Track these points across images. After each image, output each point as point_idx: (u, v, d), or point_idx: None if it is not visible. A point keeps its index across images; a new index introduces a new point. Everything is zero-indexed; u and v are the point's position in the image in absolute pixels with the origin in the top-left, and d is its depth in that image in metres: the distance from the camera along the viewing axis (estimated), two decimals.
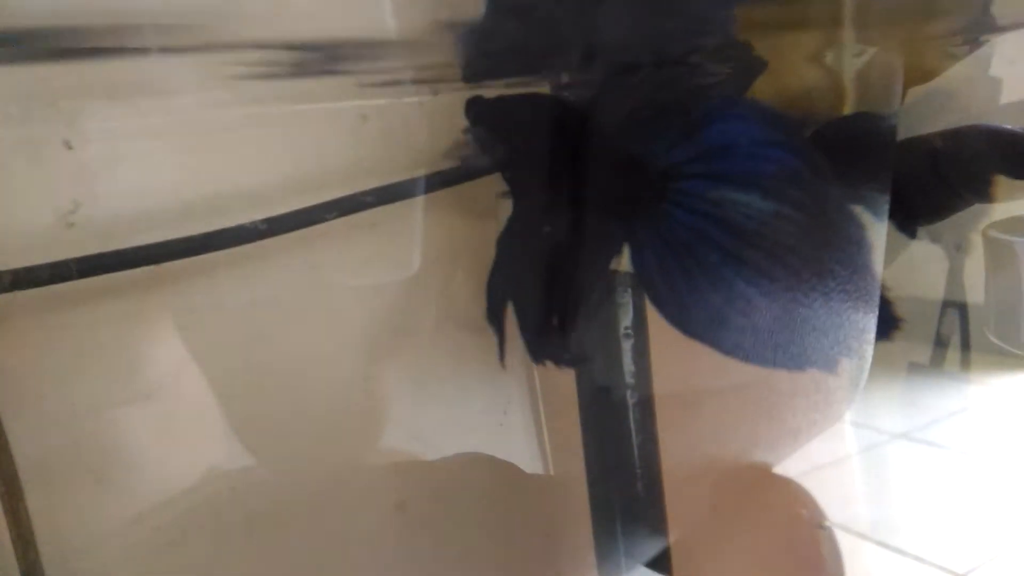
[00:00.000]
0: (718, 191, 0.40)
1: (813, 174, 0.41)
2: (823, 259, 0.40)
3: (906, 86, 0.45)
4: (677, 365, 0.44)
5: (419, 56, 0.42)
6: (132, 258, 0.42)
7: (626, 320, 0.53)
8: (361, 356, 0.52)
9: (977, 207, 0.49)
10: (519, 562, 0.58)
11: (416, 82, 0.49)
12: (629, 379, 0.54)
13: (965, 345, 0.67)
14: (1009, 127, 0.44)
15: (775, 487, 0.53)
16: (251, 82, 0.42)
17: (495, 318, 0.46)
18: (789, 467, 0.55)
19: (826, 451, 0.57)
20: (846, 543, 0.59)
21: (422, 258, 0.52)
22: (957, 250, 0.62)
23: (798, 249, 0.40)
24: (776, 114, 0.42)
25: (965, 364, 0.69)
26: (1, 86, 0.38)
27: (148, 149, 0.43)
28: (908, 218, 0.47)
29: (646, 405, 0.55)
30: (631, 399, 0.55)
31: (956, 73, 0.51)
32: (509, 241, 0.46)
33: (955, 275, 0.64)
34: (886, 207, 0.42)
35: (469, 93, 0.46)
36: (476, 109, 0.47)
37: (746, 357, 0.42)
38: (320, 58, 0.40)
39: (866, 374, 0.44)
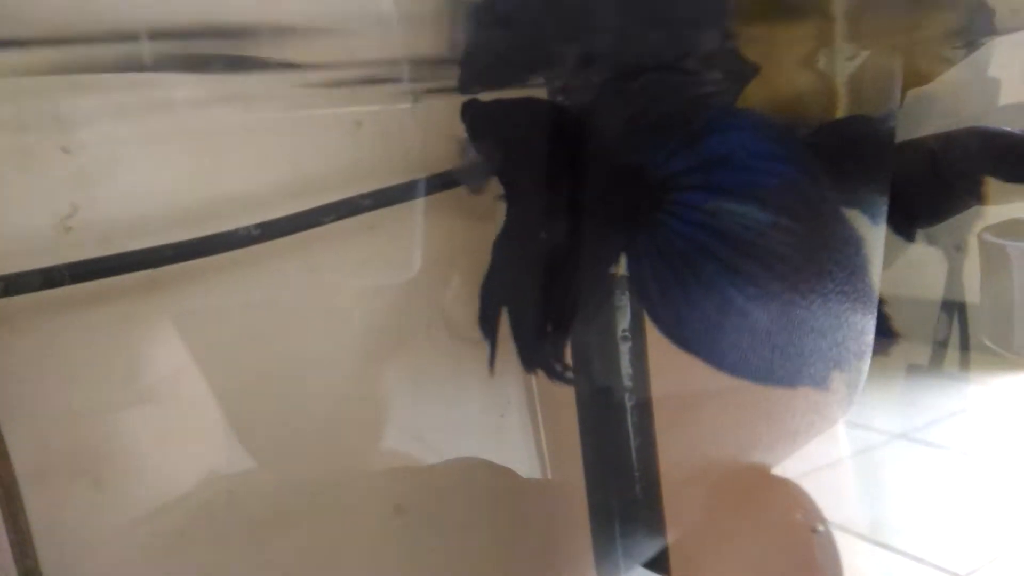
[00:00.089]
0: (716, 202, 0.40)
1: (811, 186, 0.41)
2: (819, 272, 0.40)
3: (903, 89, 0.45)
4: (675, 367, 0.44)
5: (414, 62, 0.42)
6: (124, 264, 0.42)
7: (624, 323, 0.53)
8: (359, 358, 0.52)
9: (976, 209, 0.49)
10: (518, 565, 0.58)
11: (411, 88, 0.49)
12: (627, 382, 0.54)
13: (964, 345, 0.67)
14: (1002, 129, 0.44)
15: (773, 488, 0.53)
16: (247, 88, 0.42)
17: (487, 324, 0.46)
18: (788, 468, 0.55)
19: (826, 452, 0.57)
20: (846, 544, 0.59)
21: (421, 260, 0.52)
22: (957, 250, 0.62)
23: (795, 261, 0.40)
24: (774, 126, 0.42)
25: (964, 364, 0.69)
26: (4, 90, 0.39)
27: (146, 154, 0.43)
28: (906, 221, 0.47)
29: (644, 407, 0.55)
30: (629, 402, 0.55)
31: (953, 76, 0.50)
32: (505, 246, 0.46)
33: (954, 275, 0.64)
34: (884, 210, 0.42)
35: (463, 98, 0.46)
36: (472, 112, 0.47)
37: (739, 372, 0.42)
38: (319, 71, 0.40)
39: (864, 375, 0.44)
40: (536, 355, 0.46)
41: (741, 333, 0.41)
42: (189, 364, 0.46)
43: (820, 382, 0.42)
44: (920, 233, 0.51)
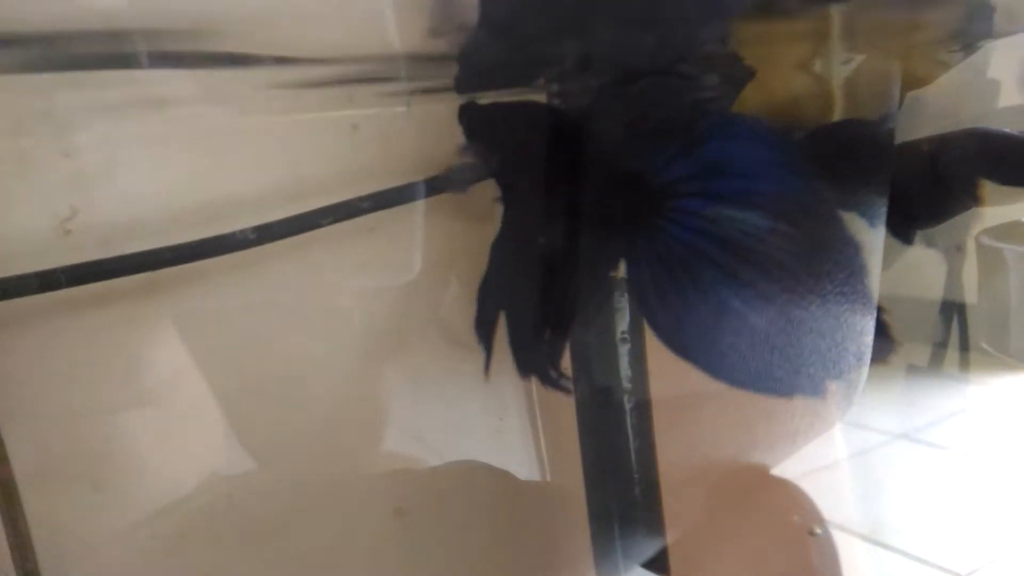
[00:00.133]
0: (715, 209, 0.41)
1: (809, 192, 0.41)
2: (817, 275, 0.41)
3: (901, 92, 0.45)
4: (674, 369, 0.44)
5: (411, 65, 0.42)
6: (121, 267, 0.42)
7: (623, 325, 0.53)
8: (359, 360, 0.52)
9: (975, 210, 0.49)
10: (518, 567, 0.58)
11: (407, 91, 0.49)
12: (626, 383, 0.54)
13: (964, 346, 0.67)
14: (1000, 131, 0.44)
15: (771, 490, 0.53)
16: (244, 91, 0.42)
17: (483, 328, 0.46)
18: (789, 469, 0.55)
19: (827, 453, 0.57)
20: (847, 544, 0.59)
21: (421, 262, 0.52)
22: (957, 251, 0.62)
23: (793, 267, 0.40)
24: (773, 132, 0.42)
25: (964, 365, 0.69)
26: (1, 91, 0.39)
27: (145, 156, 0.43)
28: (905, 223, 0.47)
29: (643, 409, 0.55)
30: (628, 403, 0.55)
31: (952, 78, 0.50)
32: (502, 250, 0.46)
33: (954, 276, 0.64)
34: (883, 212, 0.42)
35: (459, 102, 0.46)
36: (469, 115, 0.47)
37: (735, 380, 0.42)
38: (313, 67, 0.40)
39: (864, 377, 0.44)
40: (531, 360, 0.46)
41: (738, 338, 0.41)
42: (189, 366, 0.46)
43: (816, 389, 0.43)
44: (919, 235, 0.51)
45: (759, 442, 0.54)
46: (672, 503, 0.56)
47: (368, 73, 0.43)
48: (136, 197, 0.43)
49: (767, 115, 0.43)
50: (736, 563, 0.53)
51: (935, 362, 0.69)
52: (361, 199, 0.48)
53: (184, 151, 0.44)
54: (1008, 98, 0.52)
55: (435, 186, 0.50)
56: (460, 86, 0.46)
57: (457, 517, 0.55)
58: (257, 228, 0.45)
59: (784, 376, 0.42)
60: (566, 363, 0.48)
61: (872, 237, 0.42)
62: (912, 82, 0.47)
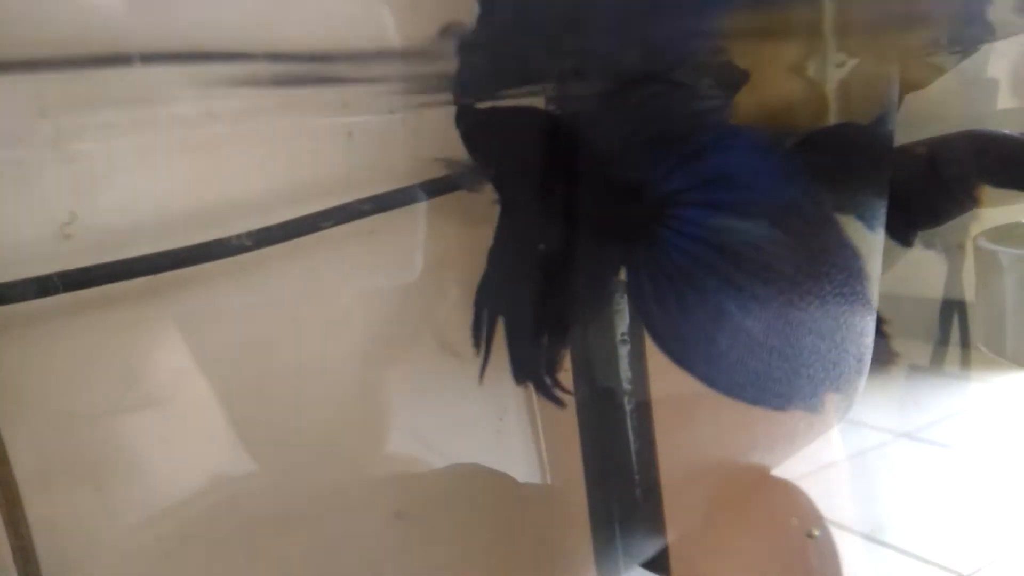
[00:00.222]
0: (716, 218, 0.41)
1: (809, 201, 0.41)
2: (816, 281, 0.41)
3: (899, 95, 0.45)
4: (674, 370, 0.44)
5: (407, 72, 0.42)
6: (117, 272, 0.42)
7: (623, 326, 0.53)
8: (359, 363, 0.52)
9: (974, 211, 0.49)
10: (518, 569, 0.58)
11: (403, 97, 0.49)
12: (626, 384, 0.54)
13: (965, 344, 0.67)
14: (998, 133, 0.44)
15: (771, 491, 0.53)
16: (241, 98, 0.43)
17: (479, 333, 0.46)
18: (790, 469, 0.55)
19: (828, 452, 0.57)
20: (849, 544, 0.59)
21: (421, 264, 0.52)
22: (958, 249, 0.62)
23: (792, 274, 0.41)
24: (773, 143, 0.42)
25: (965, 363, 0.69)
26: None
27: (144, 162, 0.43)
28: (905, 225, 0.47)
29: (643, 410, 0.55)
30: (628, 404, 0.55)
31: (950, 80, 0.50)
32: (500, 254, 0.46)
33: (954, 275, 0.64)
34: (882, 215, 0.42)
35: (453, 108, 0.46)
36: (467, 120, 0.47)
37: (732, 389, 0.42)
38: (312, 73, 0.40)
39: (864, 378, 0.44)
40: (528, 367, 0.46)
41: (736, 343, 0.41)
42: (190, 368, 0.46)
43: (814, 398, 0.43)
44: (919, 236, 0.51)
45: (759, 443, 0.54)
46: (673, 504, 0.56)
47: (365, 77, 0.43)
48: (135, 202, 0.43)
49: (761, 119, 0.43)
50: (736, 564, 0.53)
51: (936, 361, 0.69)
52: (361, 202, 0.48)
53: (182, 157, 0.44)
54: (1006, 99, 0.52)
55: (435, 189, 0.50)
56: (458, 92, 0.46)
57: (457, 519, 0.56)
58: (257, 231, 0.45)
59: (783, 377, 0.42)
60: (565, 367, 0.48)
61: (871, 239, 0.42)
62: (908, 85, 0.47)
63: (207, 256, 0.44)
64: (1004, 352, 0.55)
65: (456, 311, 0.52)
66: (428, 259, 0.52)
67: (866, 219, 0.42)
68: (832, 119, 0.46)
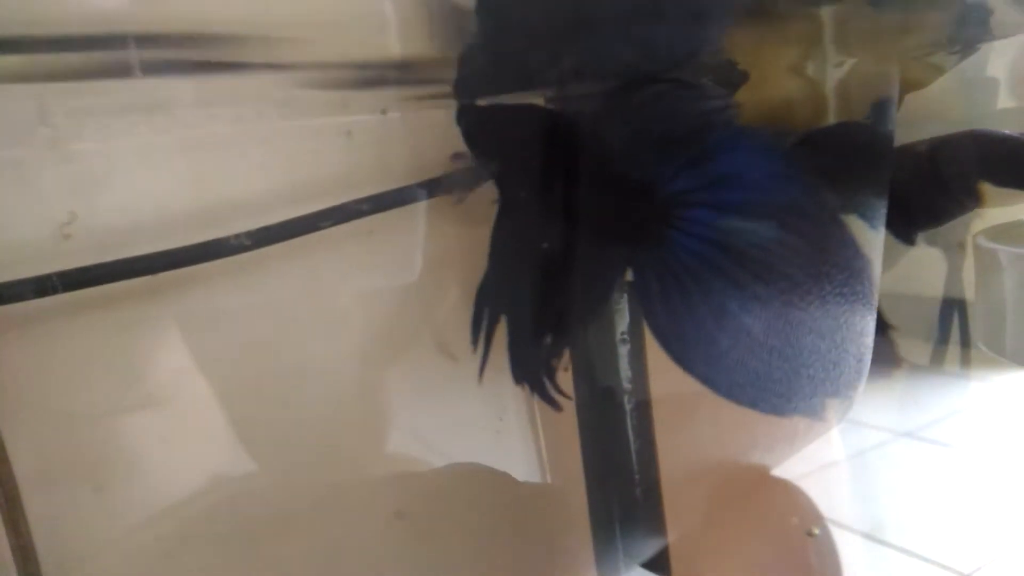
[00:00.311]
0: (724, 219, 0.41)
1: (815, 203, 0.41)
2: (820, 281, 0.41)
3: (899, 95, 0.45)
4: (674, 369, 0.44)
5: (407, 72, 0.42)
6: (116, 272, 0.42)
7: (622, 325, 0.53)
8: (359, 363, 0.52)
9: (976, 210, 0.49)
10: (518, 568, 0.58)
11: (402, 98, 0.49)
12: (626, 384, 0.54)
13: (965, 343, 0.67)
14: (997, 133, 0.44)
15: (771, 490, 0.53)
16: (240, 98, 0.43)
17: (479, 332, 0.46)
18: (791, 468, 0.55)
19: (829, 452, 0.57)
20: (849, 543, 0.59)
21: (421, 264, 0.52)
22: (959, 248, 0.62)
23: (798, 275, 0.41)
24: (780, 145, 0.42)
25: (965, 362, 0.69)
26: None
27: (143, 162, 0.43)
28: (906, 225, 0.47)
29: (643, 409, 0.55)
30: (628, 404, 0.55)
31: (950, 80, 0.50)
32: (501, 254, 0.46)
33: (954, 274, 0.63)
34: (883, 214, 0.42)
35: (454, 108, 0.46)
36: (468, 118, 0.47)
37: (733, 390, 0.42)
38: (312, 73, 0.40)
39: (864, 378, 0.44)
40: (527, 368, 0.46)
41: (738, 346, 0.41)
42: (190, 368, 0.46)
43: (814, 400, 0.43)
44: (920, 234, 0.51)
45: (759, 443, 0.54)
46: (673, 503, 0.56)
47: (364, 78, 0.43)
48: (135, 202, 0.43)
49: (760, 118, 0.43)
50: (736, 563, 0.53)
51: (936, 360, 0.69)
52: (360, 201, 0.48)
53: (182, 156, 0.44)
54: (1006, 99, 0.52)
55: (434, 189, 0.50)
56: (459, 91, 0.46)
57: (457, 519, 0.56)
58: (257, 231, 0.45)
59: (783, 378, 0.42)
60: (566, 366, 0.49)
61: (873, 238, 0.42)
62: (908, 85, 0.47)
63: (206, 256, 0.44)
64: (1003, 351, 0.55)
65: (454, 312, 0.52)
66: (427, 259, 0.52)
67: (867, 218, 0.42)
68: (831, 119, 0.46)
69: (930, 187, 0.47)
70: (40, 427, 0.42)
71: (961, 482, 0.74)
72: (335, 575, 0.51)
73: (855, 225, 0.42)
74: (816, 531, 0.53)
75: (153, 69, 0.35)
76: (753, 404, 0.43)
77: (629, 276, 0.45)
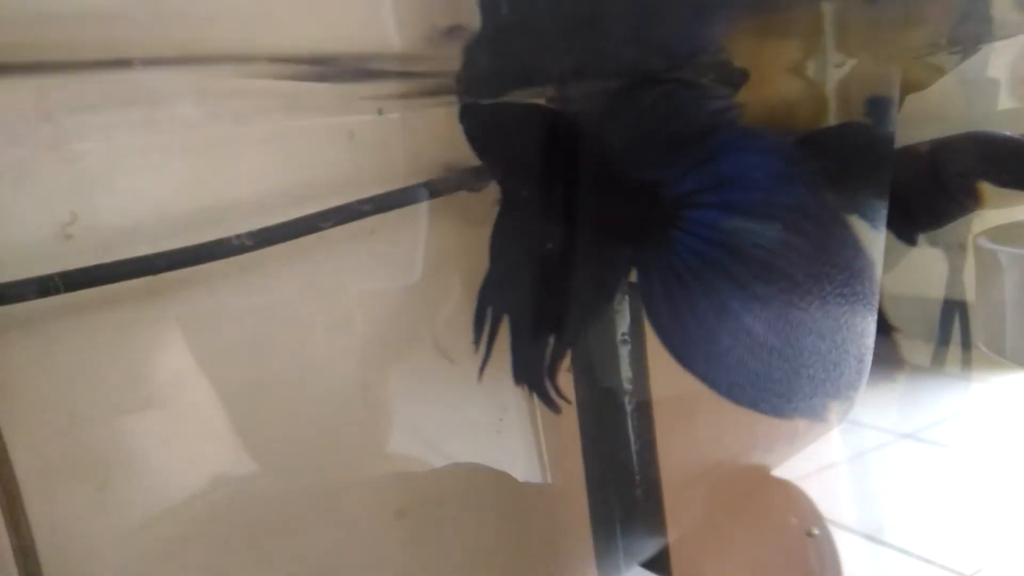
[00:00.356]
0: (731, 221, 0.41)
1: (820, 204, 0.41)
2: (823, 282, 0.41)
3: (900, 96, 0.45)
4: (675, 369, 0.44)
5: (408, 73, 0.42)
6: (117, 273, 0.42)
7: (623, 326, 0.53)
8: (360, 363, 0.52)
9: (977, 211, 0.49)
10: (519, 568, 0.58)
11: (403, 99, 0.49)
12: (627, 384, 0.54)
13: (966, 344, 0.67)
14: (998, 133, 0.44)
15: (771, 491, 0.53)
16: (242, 98, 0.43)
17: (481, 331, 0.46)
18: (793, 468, 0.55)
19: (829, 452, 0.57)
20: (851, 545, 0.59)
21: (422, 265, 0.52)
22: (960, 249, 0.62)
23: (803, 277, 0.41)
24: (787, 147, 0.42)
25: (966, 363, 0.69)
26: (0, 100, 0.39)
27: (145, 162, 0.44)
28: (907, 226, 0.47)
29: (644, 410, 0.55)
30: (629, 404, 0.55)
31: (951, 80, 0.50)
32: (504, 253, 0.46)
33: (955, 275, 0.63)
34: (884, 214, 0.42)
35: (455, 109, 0.46)
36: (471, 117, 0.47)
37: (734, 390, 0.42)
38: (313, 74, 0.40)
39: (865, 378, 0.44)
40: (529, 370, 0.46)
41: (738, 347, 0.41)
42: (191, 368, 0.46)
43: (813, 400, 0.43)
44: (921, 235, 0.51)
45: (759, 443, 0.54)
46: (673, 503, 0.56)
47: (365, 78, 0.43)
48: (136, 202, 0.43)
49: (760, 119, 0.43)
50: (736, 563, 0.53)
51: (937, 361, 0.69)
52: (362, 202, 0.48)
53: (183, 157, 0.45)
54: (1006, 100, 0.52)
55: (435, 189, 0.50)
56: (462, 92, 0.46)
57: (458, 519, 0.56)
58: (258, 231, 0.45)
59: (783, 378, 0.42)
60: (566, 367, 0.49)
61: (874, 238, 0.42)
62: (908, 86, 0.47)
63: (208, 256, 0.44)
64: (1004, 352, 0.55)
65: (454, 313, 0.52)
66: (428, 259, 0.52)
67: (868, 218, 0.42)
68: (832, 120, 0.46)
69: (931, 188, 0.47)
70: (42, 427, 0.42)
71: (962, 483, 0.74)
72: (335, 575, 0.51)
73: (857, 225, 0.42)
74: (816, 531, 0.53)
75: (153, 68, 0.35)
76: (754, 404, 0.43)
77: (632, 277, 0.45)
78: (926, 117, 0.49)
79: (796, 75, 0.47)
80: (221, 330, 0.47)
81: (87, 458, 0.44)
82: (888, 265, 0.43)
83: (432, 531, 0.55)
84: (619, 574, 0.58)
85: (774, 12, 0.39)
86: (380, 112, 0.48)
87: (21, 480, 0.41)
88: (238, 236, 0.44)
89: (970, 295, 0.64)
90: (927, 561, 0.65)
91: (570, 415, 0.56)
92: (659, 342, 0.44)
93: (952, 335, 0.67)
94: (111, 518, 0.44)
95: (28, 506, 0.41)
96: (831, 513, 0.57)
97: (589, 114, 0.46)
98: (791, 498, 0.53)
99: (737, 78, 0.44)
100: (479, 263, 0.47)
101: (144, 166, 0.44)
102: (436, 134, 0.50)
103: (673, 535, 0.56)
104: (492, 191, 0.49)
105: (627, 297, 0.52)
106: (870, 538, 0.66)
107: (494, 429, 0.57)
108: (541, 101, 0.48)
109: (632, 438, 0.55)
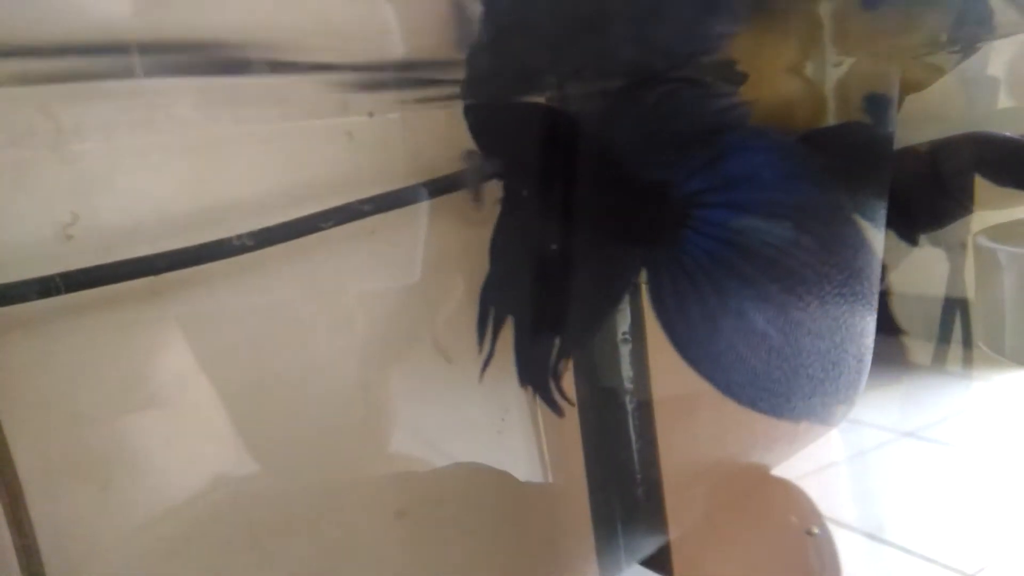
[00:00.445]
0: (740, 220, 0.41)
1: (828, 203, 0.41)
2: (830, 281, 0.41)
3: (899, 96, 0.45)
4: (676, 369, 0.44)
5: (410, 73, 0.42)
6: (117, 273, 0.42)
7: (624, 325, 0.53)
8: (361, 363, 0.52)
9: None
10: (520, 568, 0.58)
11: (403, 99, 0.49)
12: (628, 384, 0.54)
13: (967, 343, 0.67)
14: (997, 133, 0.44)
15: (771, 490, 0.53)
16: (242, 98, 0.43)
17: (484, 330, 0.46)
18: (794, 468, 0.55)
19: (829, 452, 0.57)
20: (852, 543, 0.59)
21: (423, 265, 0.52)
22: (961, 248, 0.62)
23: (816, 277, 0.41)
24: (795, 146, 0.42)
25: (967, 362, 0.69)
26: (1, 101, 0.39)
27: (145, 163, 0.44)
28: (908, 226, 0.47)
29: (645, 409, 0.55)
30: (630, 404, 0.55)
31: (951, 80, 0.50)
32: (506, 253, 0.46)
33: (956, 273, 0.63)
34: (884, 214, 0.42)
35: (455, 109, 0.46)
36: (476, 115, 0.47)
37: (735, 389, 0.42)
38: (314, 75, 0.40)
39: (865, 378, 0.44)
40: (534, 370, 0.46)
41: (755, 355, 0.41)
42: (193, 368, 0.46)
43: (813, 401, 0.43)
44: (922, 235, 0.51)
45: (759, 442, 0.54)
46: (674, 502, 0.56)
47: (365, 80, 0.43)
48: (137, 202, 0.43)
49: (759, 118, 0.43)
50: (737, 561, 0.53)
51: (938, 360, 0.69)
52: (362, 202, 0.48)
53: (183, 157, 0.45)
54: (1006, 99, 0.52)
55: (445, 186, 0.50)
56: (465, 93, 0.46)
57: (459, 519, 0.56)
58: (258, 232, 0.45)
59: (783, 378, 0.42)
60: (568, 367, 0.49)
61: (875, 237, 0.42)
62: (908, 86, 0.47)
63: (208, 256, 0.44)
64: (1003, 350, 0.55)
65: (454, 313, 0.52)
66: (429, 259, 0.52)
67: (869, 218, 0.42)
68: (830, 119, 0.46)
69: (931, 189, 0.47)
70: (43, 427, 0.42)
71: (963, 482, 0.74)
72: (336, 575, 0.52)
73: (861, 224, 0.42)
74: (816, 530, 0.53)
75: (155, 71, 0.35)
76: (752, 403, 0.43)
77: (640, 277, 0.45)
78: (926, 117, 0.49)
79: (795, 75, 0.47)
80: (222, 330, 0.47)
81: (89, 458, 0.44)
82: (890, 265, 0.43)
83: (433, 531, 0.55)
84: (620, 573, 0.58)
85: (772, 11, 0.39)
86: (371, 115, 0.48)
87: (24, 480, 0.41)
88: (238, 236, 0.44)
89: (971, 294, 0.64)
90: (929, 560, 0.65)
91: (571, 415, 0.56)
92: (668, 342, 0.43)
93: (953, 334, 0.67)
94: (113, 518, 0.44)
95: (31, 506, 0.41)
96: (831, 512, 0.57)
97: (593, 114, 0.46)
98: (791, 497, 0.53)
99: (736, 78, 0.44)
100: (479, 263, 0.48)
101: (144, 166, 0.44)
102: (436, 134, 0.50)
103: (674, 534, 0.56)
104: (493, 191, 0.49)
105: (628, 297, 0.52)
106: (871, 537, 0.66)
107: (495, 429, 0.57)
108: (543, 101, 0.48)
109: (633, 437, 0.55)
